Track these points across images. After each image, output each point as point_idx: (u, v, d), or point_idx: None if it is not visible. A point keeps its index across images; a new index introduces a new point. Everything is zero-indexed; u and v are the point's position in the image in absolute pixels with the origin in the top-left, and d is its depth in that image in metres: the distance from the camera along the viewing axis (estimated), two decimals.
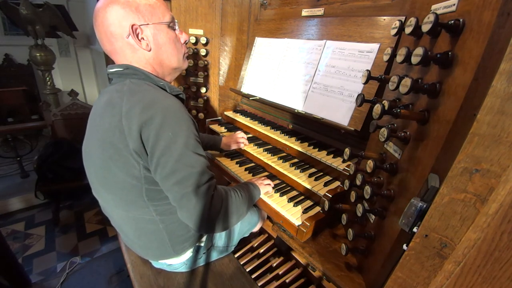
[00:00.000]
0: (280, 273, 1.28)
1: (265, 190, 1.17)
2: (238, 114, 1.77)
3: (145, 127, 0.76)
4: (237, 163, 1.44)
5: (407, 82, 0.62)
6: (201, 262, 1.15)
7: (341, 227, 1.15)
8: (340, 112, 1.17)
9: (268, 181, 1.21)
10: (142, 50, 0.87)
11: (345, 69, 1.18)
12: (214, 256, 1.19)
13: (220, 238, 1.16)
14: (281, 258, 1.35)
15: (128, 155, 0.78)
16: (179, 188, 0.80)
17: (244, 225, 1.29)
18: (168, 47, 0.92)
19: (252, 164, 1.44)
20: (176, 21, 0.94)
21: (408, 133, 0.71)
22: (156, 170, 0.80)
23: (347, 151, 0.86)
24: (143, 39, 0.86)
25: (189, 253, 1.08)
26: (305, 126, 1.45)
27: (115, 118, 0.78)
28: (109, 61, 3.16)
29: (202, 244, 1.11)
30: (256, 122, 1.62)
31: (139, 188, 0.84)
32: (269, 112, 1.68)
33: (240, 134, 1.48)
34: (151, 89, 0.83)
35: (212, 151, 1.53)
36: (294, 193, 1.22)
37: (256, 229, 1.44)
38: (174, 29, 0.94)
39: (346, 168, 1.07)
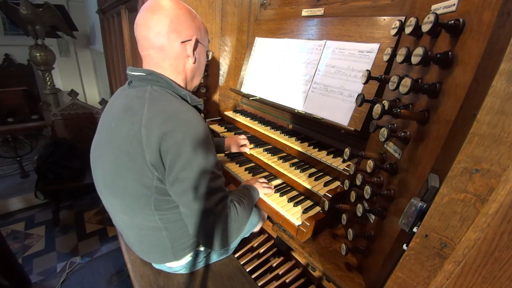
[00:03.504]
0: (280, 273, 1.28)
1: (264, 192, 1.17)
2: (238, 114, 1.77)
3: (165, 139, 0.74)
4: (237, 163, 1.44)
5: (407, 82, 0.62)
6: (201, 264, 1.15)
7: (341, 227, 1.15)
8: (340, 112, 1.17)
9: (267, 185, 1.20)
10: (188, 59, 0.91)
11: (345, 69, 1.18)
12: (214, 258, 1.19)
13: None
14: (281, 258, 1.35)
15: (143, 165, 0.77)
16: (197, 205, 0.80)
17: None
18: (201, 68, 1.01)
19: (252, 164, 1.44)
20: (211, 51, 1.06)
21: (408, 133, 0.71)
22: (173, 184, 0.79)
23: (347, 151, 0.86)
24: (195, 51, 0.92)
25: (188, 257, 1.08)
26: (305, 126, 1.45)
27: (134, 127, 0.77)
28: (109, 61, 3.15)
29: (202, 249, 1.11)
30: (256, 122, 1.62)
31: (148, 197, 0.83)
32: (269, 112, 1.68)
33: (243, 140, 1.44)
34: (173, 99, 0.84)
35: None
36: (294, 193, 1.22)
37: (256, 229, 1.43)
38: (208, 53, 1.04)
39: (346, 168, 1.07)
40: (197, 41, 0.90)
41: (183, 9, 0.86)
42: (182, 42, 0.87)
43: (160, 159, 0.76)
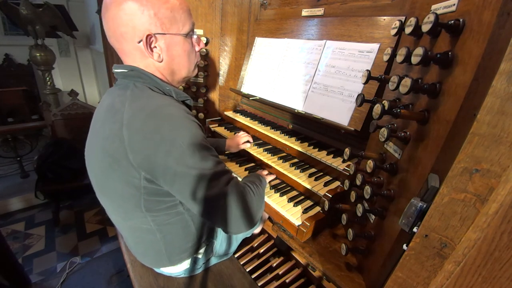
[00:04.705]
0: (280, 273, 1.28)
1: (269, 180, 1.17)
2: (238, 114, 1.77)
3: (150, 138, 0.70)
4: (237, 163, 1.44)
5: (407, 82, 0.62)
6: (200, 270, 1.13)
7: (341, 227, 1.15)
8: (340, 112, 1.17)
9: (267, 172, 1.22)
10: (152, 59, 0.82)
11: (345, 69, 1.18)
12: (214, 261, 1.18)
13: (221, 246, 1.15)
14: (281, 258, 1.35)
15: (128, 165, 0.74)
16: (206, 194, 0.75)
17: None
18: (181, 60, 0.87)
19: (252, 164, 1.44)
20: (195, 30, 0.88)
21: (408, 133, 0.71)
22: (174, 182, 0.75)
23: (347, 151, 0.86)
24: (156, 47, 0.80)
25: (186, 264, 1.05)
26: (305, 126, 1.45)
27: (115, 126, 0.73)
28: (109, 61, 3.16)
29: (200, 256, 1.07)
30: (256, 122, 1.62)
31: (138, 198, 0.80)
32: (269, 112, 1.68)
33: (243, 137, 1.44)
34: (155, 95, 0.79)
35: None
36: (294, 193, 1.22)
37: (257, 230, 1.43)
38: (192, 38, 0.88)
39: (346, 168, 1.07)
40: (150, 37, 0.77)
41: (124, 5, 0.73)
42: (139, 43, 0.77)
43: (147, 158, 0.72)
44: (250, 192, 0.87)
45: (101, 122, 0.81)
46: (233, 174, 0.85)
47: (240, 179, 1.31)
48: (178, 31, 0.82)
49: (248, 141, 1.44)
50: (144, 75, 0.81)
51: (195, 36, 0.89)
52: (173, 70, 0.87)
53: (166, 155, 0.71)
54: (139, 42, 0.77)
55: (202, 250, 1.07)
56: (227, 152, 1.50)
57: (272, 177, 1.19)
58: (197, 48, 0.92)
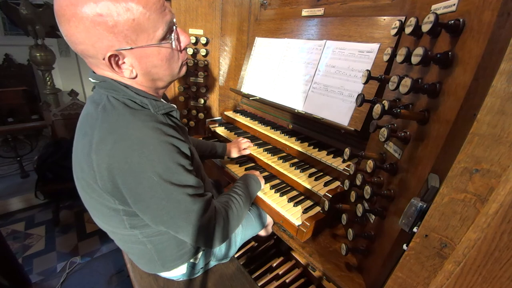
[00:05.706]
0: (280, 273, 1.28)
1: (262, 184, 1.18)
2: (238, 114, 1.77)
3: (118, 168, 0.64)
4: (237, 163, 1.44)
5: (407, 82, 0.62)
6: (199, 274, 1.12)
7: (341, 227, 1.15)
8: (340, 112, 1.17)
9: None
10: (123, 75, 0.71)
11: (345, 69, 1.18)
12: (213, 264, 1.17)
13: (220, 250, 1.14)
14: (281, 258, 1.35)
15: (100, 190, 0.70)
16: (181, 220, 0.74)
17: (246, 234, 1.24)
18: (160, 69, 0.74)
19: (252, 164, 1.44)
20: (175, 26, 0.73)
21: (408, 133, 0.71)
22: (145, 212, 0.72)
23: (347, 151, 0.86)
24: (125, 63, 0.68)
25: (182, 269, 1.04)
26: (305, 126, 1.45)
27: (85, 149, 0.68)
28: None
29: (197, 261, 1.06)
30: (256, 122, 1.62)
31: (119, 219, 0.78)
32: (269, 112, 1.68)
33: (243, 142, 1.43)
34: (127, 114, 0.68)
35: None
36: (294, 193, 1.22)
37: (262, 234, 1.41)
38: (171, 38, 0.72)
39: (346, 168, 1.07)
40: (115, 56, 0.65)
41: (75, 20, 0.59)
42: (103, 59, 0.66)
43: (116, 188, 0.67)
44: (230, 211, 0.89)
45: (76, 140, 0.76)
46: (210, 199, 0.82)
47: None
48: (149, 40, 0.67)
49: (249, 147, 1.43)
50: (118, 88, 0.71)
51: (174, 37, 0.72)
52: (152, 79, 0.76)
53: (136, 185, 0.66)
54: (104, 59, 0.66)
55: (199, 255, 1.06)
56: (227, 156, 1.49)
57: (263, 182, 1.20)
58: (182, 44, 0.77)
